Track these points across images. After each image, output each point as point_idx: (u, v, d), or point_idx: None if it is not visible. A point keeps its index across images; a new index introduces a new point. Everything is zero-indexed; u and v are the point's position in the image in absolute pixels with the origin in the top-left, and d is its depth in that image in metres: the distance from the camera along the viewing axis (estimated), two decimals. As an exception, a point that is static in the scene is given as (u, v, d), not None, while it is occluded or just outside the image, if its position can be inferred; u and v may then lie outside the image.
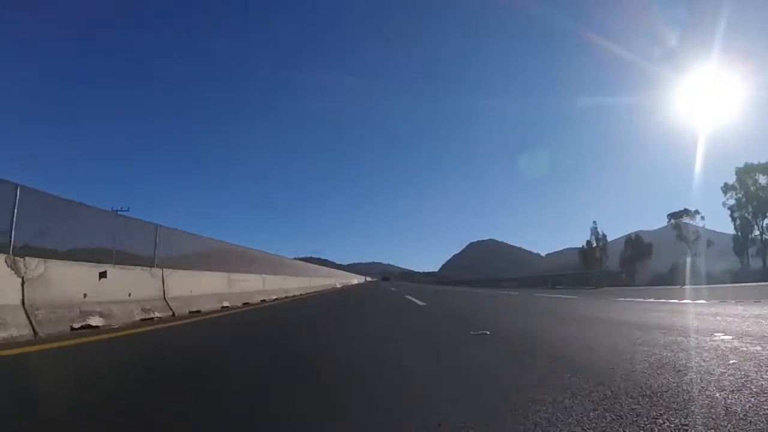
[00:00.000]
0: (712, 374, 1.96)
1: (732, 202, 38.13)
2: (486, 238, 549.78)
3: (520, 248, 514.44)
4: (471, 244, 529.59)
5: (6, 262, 3.57)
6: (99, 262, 4.64)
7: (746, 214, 37.36)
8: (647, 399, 1.60)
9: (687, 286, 14.65)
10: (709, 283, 16.00)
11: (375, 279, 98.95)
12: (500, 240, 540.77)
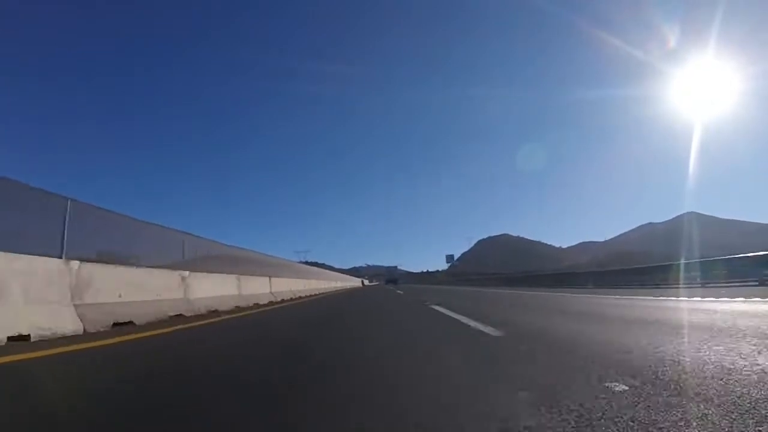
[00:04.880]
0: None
1: None
2: (498, 233, 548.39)
3: (538, 242, 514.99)
4: (481, 241, 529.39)
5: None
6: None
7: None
8: None
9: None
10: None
11: (377, 282, 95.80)
12: (515, 234, 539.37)
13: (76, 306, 4.74)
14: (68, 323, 4.50)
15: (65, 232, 5.26)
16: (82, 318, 4.69)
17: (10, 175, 4.63)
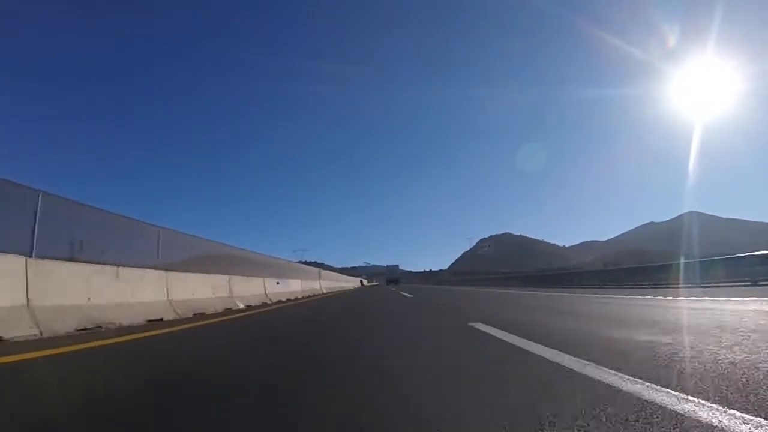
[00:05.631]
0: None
1: None
2: (499, 232, 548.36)
3: (541, 241, 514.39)
4: (482, 240, 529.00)
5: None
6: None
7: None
8: None
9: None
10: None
11: (377, 282, 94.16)
12: (516, 233, 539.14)
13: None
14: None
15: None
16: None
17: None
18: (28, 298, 4.24)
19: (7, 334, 3.79)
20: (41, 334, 4.12)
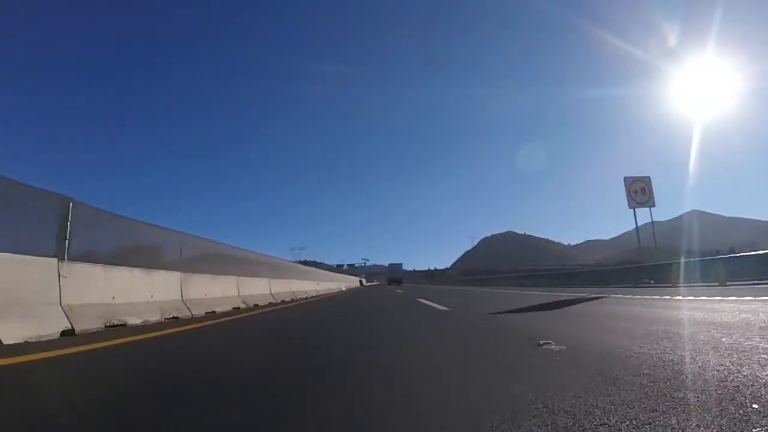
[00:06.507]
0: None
1: None
2: (503, 230, 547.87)
3: (545, 239, 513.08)
4: (485, 239, 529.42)
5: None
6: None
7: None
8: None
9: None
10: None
11: (377, 282, 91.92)
12: (520, 232, 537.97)
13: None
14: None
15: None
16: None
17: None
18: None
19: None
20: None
